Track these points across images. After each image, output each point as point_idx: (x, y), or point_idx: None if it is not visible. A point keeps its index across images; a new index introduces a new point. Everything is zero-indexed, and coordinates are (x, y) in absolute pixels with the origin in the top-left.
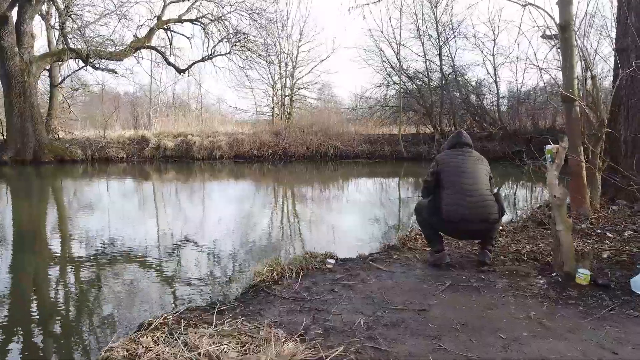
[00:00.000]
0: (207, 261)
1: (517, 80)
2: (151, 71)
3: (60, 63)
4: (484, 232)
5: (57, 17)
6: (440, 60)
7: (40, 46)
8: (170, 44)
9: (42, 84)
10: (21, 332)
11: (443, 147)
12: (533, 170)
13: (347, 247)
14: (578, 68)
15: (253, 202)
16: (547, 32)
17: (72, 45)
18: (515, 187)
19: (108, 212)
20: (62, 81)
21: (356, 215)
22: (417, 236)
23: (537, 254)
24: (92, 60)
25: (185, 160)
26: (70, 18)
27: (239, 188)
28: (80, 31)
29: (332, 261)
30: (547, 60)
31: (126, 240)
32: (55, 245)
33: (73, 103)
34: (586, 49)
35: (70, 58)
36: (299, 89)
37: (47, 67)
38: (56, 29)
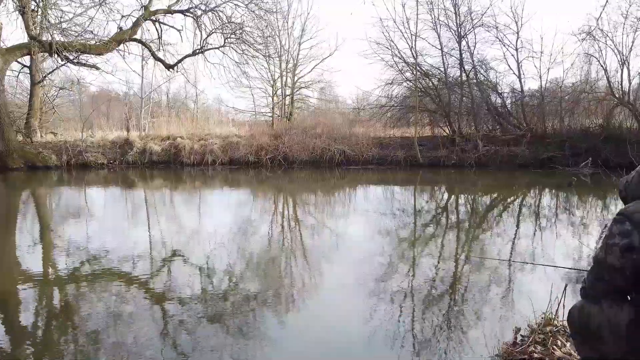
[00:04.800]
0: None
1: (540, 77)
2: (142, 68)
3: (41, 58)
4: None
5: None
6: (460, 54)
7: (19, 39)
8: (159, 37)
9: (26, 80)
10: None
11: (632, 181)
12: (576, 183)
13: None
14: None
15: (240, 239)
16: None
17: (43, 36)
18: (561, 209)
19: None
20: (43, 79)
21: (399, 274)
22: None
23: None
24: (61, 53)
25: (174, 166)
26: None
27: (227, 206)
28: (45, 17)
29: None
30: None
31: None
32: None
33: (62, 103)
34: None
35: (42, 51)
36: (300, 87)
37: (28, 63)
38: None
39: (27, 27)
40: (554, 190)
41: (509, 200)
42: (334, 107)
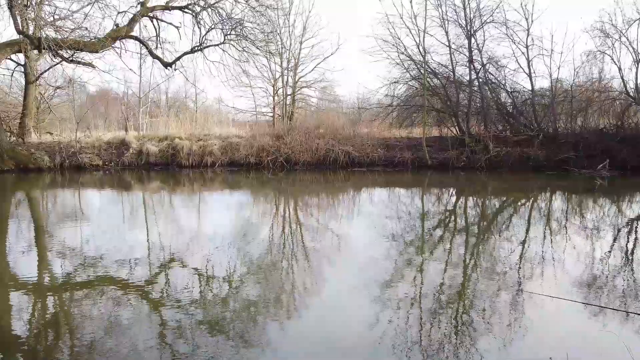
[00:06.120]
0: None
1: (551, 76)
2: (140, 67)
3: (36, 56)
4: None
5: None
6: (470, 51)
7: (10, 36)
8: (157, 34)
9: (22, 79)
10: None
11: None
12: (600, 185)
13: None
14: None
15: (241, 245)
16: None
17: (33, 32)
18: (602, 223)
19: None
20: (37, 78)
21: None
22: None
23: None
24: (52, 50)
25: (172, 168)
26: None
27: (227, 210)
28: (34, 12)
29: None
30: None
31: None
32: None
33: (60, 103)
34: None
35: (32, 48)
36: (302, 87)
37: (22, 61)
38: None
39: (15, 22)
40: (578, 196)
41: (538, 207)
42: (337, 107)
